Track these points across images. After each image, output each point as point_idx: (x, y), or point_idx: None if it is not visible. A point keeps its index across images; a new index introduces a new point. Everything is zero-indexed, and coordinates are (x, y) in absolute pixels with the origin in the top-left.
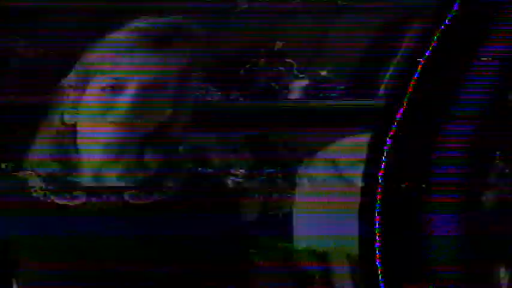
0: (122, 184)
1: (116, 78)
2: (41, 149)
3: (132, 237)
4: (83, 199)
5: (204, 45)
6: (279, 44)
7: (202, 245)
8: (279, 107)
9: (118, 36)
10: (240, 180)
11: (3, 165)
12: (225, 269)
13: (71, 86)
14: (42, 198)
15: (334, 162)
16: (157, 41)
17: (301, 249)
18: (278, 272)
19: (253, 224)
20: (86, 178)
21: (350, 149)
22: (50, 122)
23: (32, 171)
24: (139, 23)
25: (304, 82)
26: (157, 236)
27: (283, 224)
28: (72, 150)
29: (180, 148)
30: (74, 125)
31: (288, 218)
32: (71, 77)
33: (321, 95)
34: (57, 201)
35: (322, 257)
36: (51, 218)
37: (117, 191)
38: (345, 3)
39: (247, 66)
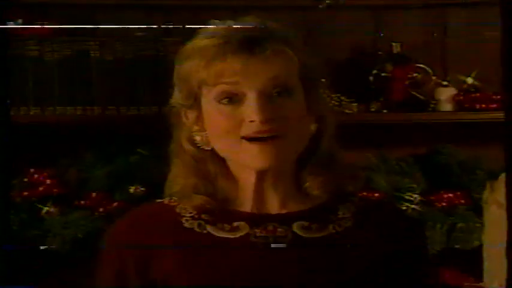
0: (288, 214)
1: (226, 89)
2: (186, 177)
3: (304, 278)
4: (245, 230)
5: (303, 47)
6: (396, 46)
7: (380, 284)
8: (438, 121)
9: (203, 43)
10: (417, 207)
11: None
12: None
13: (183, 106)
14: (197, 230)
15: None
16: (251, 44)
17: None
18: None
19: (437, 259)
20: (245, 206)
21: None
22: (181, 146)
23: (179, 199)
24: (217, 28)
25: (452, 91)
26: (332, 276)
27: (470, 260)
28: (223, 176)
29: (341, 169)
30: (213, 150)
31: (476, 252)
32: (177, 95)
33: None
34: (214, 233)
35: None
36: (209, 252)
37: (285, 221)
38: None
39: (374, 72)
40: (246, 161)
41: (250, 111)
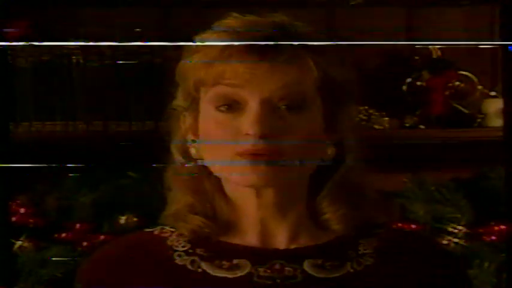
0: (298, 249)
1: (226, 91)
2: (178, 202)
3: None
4: (247, 269)
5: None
6: (437, 51)
7: None
8: (486, 139)
9: (210, 38)
10: (461, 241)
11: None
12: None
13: (183, 108)
14: (190, 267)
15: None
16: (265, 46)
17: None
18: None
19: None
20: (248, 238)
21: None
22: (176, 162)
23: (171, 228)
24: (230, 23)
25: (502, 103)
26: None
27: None
28: (221, 199)
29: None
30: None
31: None
32: (179, 95)
33: None
34: (210, 271)
35: None
36: None
37: (294, 258)
38: None
39: (409, 81)
40: (237, 179)
41: (247, 122)
